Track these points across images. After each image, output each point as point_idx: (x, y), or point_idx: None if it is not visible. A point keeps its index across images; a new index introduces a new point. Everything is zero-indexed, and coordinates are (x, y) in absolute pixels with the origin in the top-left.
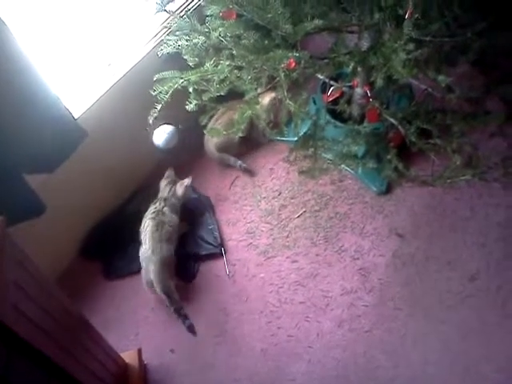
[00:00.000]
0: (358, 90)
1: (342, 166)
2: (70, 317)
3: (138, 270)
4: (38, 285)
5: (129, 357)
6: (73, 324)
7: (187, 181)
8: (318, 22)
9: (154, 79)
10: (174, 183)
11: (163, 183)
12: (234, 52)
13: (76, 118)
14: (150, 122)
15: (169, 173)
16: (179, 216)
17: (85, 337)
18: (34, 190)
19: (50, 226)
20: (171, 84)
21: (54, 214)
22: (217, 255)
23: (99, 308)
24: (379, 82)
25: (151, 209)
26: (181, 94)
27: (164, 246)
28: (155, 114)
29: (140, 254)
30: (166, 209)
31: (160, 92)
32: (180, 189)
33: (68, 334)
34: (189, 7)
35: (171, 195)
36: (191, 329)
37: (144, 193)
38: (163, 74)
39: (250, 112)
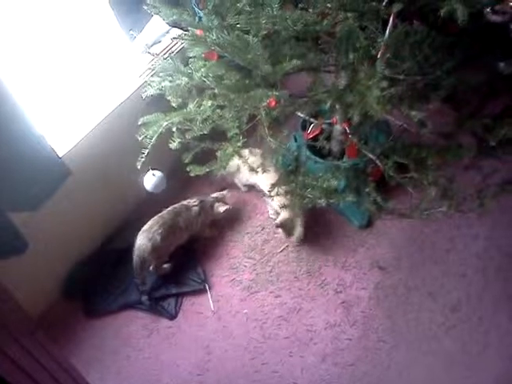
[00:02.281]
0: (338, 127)
1: (323, 200)
2: (50, 356)
3: (120, 309)
4: (19, 323)
5: None
6: (52, 363)
7: (228, 207)
8: (296, 62)
9: (139, 123)
10: (218, 201)
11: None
12: (216, 91)
13: (60, 156)
14: (139, 167)
15: (223, 194)
16: (197, 225)
17: (65, 376)
18: (17, 229)
19: (31, 264)
20: (156, 128)
21: (35, 253)
22: (199, 292)
23: (80, 347)
24: (355, 118)
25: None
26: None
27: (161, 231)
28: (142, 159)
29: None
30: (195, 208)
31: (145, 136)
32: (221, 208)
33: (47, 373)
34: (172, 49)
35: (209, 203)
36: (147, 304)
37: (128, 229)
38: (147, 118)
39: (231, 150)
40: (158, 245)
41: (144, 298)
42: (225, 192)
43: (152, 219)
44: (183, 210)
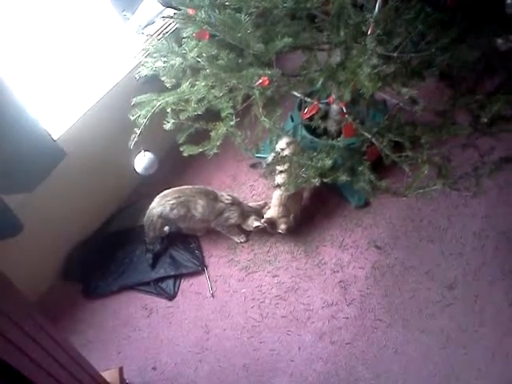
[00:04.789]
0: (334, 107)
1: (317, 180)
2: (49, 337)
3: (119, 290)
4: (16, 306)
5: (110, 375)
6: (52, 344)
7: (261, 224)
8: (287, 40)
9: (132, 103)
10: (255, 213)
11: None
12: (208, 71)
13: (55, 139)
14: (131, 147)
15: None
16: (215, 221)
17: (64, 357)
18: (11, 209)
19: (30, 247)
20: (149, 108)
21: (33, 235)
22: (197, 273)
23: (80, 328)
24: (346, 96)
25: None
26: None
27: (173, 202)
28: (135, 139)
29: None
30: (221, 204)
31: (138, 116)
32: (255, 222)
33: (47, 355)
34: (166, 30)
35: (243, 210)
36: (150, 262)
37: (126, 212)
38: (141, 97)
39: (224, 129)
40: (166, 214)
41: (148, 255)
42: (262, 203)
43: (173, 188)
44: (208, 196)
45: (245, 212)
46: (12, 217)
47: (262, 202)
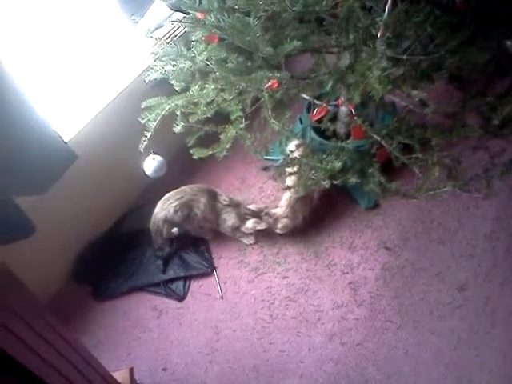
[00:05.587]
0: (343, 109)
1: (326, 182)
2: (61, 338)
3: (129, 291)
4: (28, 306)
5: (121, 376)
6: (63, 345)
7: (262, 227)
8: (296, 43)
9: (142, 107)
10: (253, 215)
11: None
12: (217, 74)
13: (66, 141)
14: (141, 150)
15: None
16: (215, 221)
17: (75, 357)
18: (23, 211)
19: (41, 248)
20: (158, 111)
21: (44, 237)
22: (207, 274)
23: (91, 329)
24: (356, 99)
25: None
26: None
27: (176, 204)
28: (145, 142)
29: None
30: (219, 205)
31: (148, 120)
32: (254, 224)
33: (58, 355)
34: (175, 34)
35: (240, 212)
36: (160, 268)
37: (136, 214)
38: (150, 101)
39: (233, 132)
40: (171, 217)
41: (159, 262)
42: (262, 207)
43: (174, 190)
44: (209, 194)
45: (242, 214)
46: (24, 218)
47: (262, 205)
